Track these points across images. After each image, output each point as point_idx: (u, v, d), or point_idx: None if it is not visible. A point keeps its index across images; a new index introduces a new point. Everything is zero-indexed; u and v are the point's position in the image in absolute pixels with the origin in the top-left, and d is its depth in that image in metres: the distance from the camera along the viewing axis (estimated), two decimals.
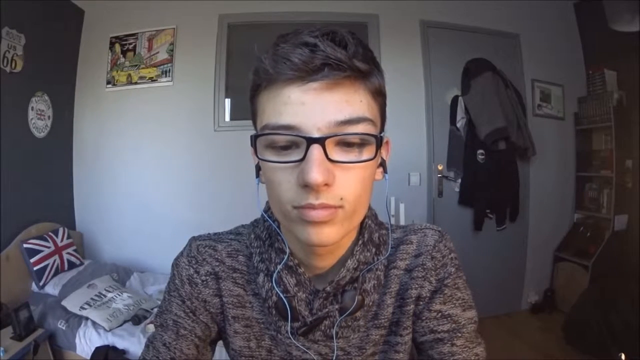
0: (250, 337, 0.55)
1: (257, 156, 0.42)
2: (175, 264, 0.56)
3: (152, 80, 2.61)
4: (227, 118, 2.63)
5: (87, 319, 1.81)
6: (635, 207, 2.46)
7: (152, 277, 2.38)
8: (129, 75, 2.61)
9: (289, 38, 0.40)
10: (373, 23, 2.65)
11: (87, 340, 1.75)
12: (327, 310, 0.49)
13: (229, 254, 0.55)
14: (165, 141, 2.63)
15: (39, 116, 2.30)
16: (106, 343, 1.72)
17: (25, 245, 2.01)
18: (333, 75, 0.38)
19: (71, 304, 1.86)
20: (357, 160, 0.40)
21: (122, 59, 2.62)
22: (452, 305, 0.53)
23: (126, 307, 1.91)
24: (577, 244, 2.74)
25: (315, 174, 0.37)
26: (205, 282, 0.54)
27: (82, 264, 2.29)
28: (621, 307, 1.99)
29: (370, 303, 0.51)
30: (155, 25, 2.62)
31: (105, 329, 1.76)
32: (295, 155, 0.40)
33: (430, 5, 2.67)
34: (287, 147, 0.40)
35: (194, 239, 0.57)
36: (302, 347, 0.51)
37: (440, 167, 2.66)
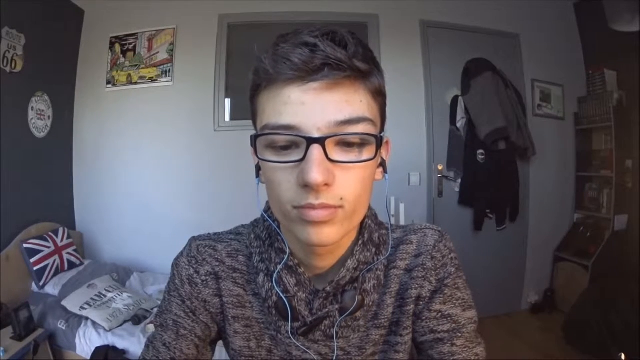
0: (250, 337, 0.55)
1: (257, 156, 0.42)
2: (175, 264, 0.56)
3: (152, 80, 2.61)
4: (227, 118, 2.63)
5: (87, 319, 1.81)
6: (635, 207, 2.46)
7: (152, 277, 2.38)
8: (129, 75, 2.61)
9: (289, 38, 0.40)
10: (373, 23, 2.65)
11: (87, 340, 1.75)
12: (327, 310, 0.49)
13: (229, 254, 0.55)
14: (165, 141, 2.63)
15: (39, 116, 2.30)
16: (106, 343, 1.72)
17: (25, 245, 2.01)
18: (333, 75, 0.38)
19: (71, 304, 1.86)
20: (357, 160, 0.40)
21: (122, 59, 2.62)
22: (452, 305, 0.53)
23: (126, 307, 1.91)
24: (577, 244, 2.74)
25: (315, 174, 0.37)
26: (205, 282, 0.54)
27: (82, 264, 2.29)
28: (621, 307, 1.99)
29: (370, 303, 0.51)
30: (155, 25, 2.62)
31: (105, 329, 1.76)
32: (295, 155, 0.40)
33: (430, 5, 2.67)
34: (287, 147, 0.40)
35: (194, 239, 0.57)
36: (302, 347, 0.51)
37: (440, 167, 2.66)
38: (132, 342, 1.73)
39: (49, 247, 2.11)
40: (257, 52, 0.41)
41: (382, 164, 0.47)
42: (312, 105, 0.39)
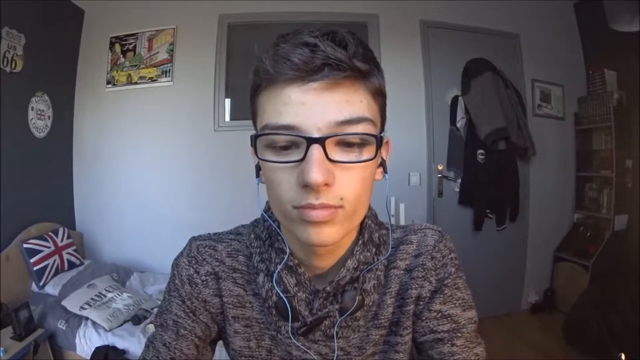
0: (250, 337, 0.55)
1: (257, 156, 0.42)
2: (175, 264, 0.56)
3: (152, 80, 2.61)
4: (227, 118, 2.63)
5: (87, 319, 1.81)
6: (635, 207, 2.46)
7: (152, 277, 2.38)
8: (129, 75, 2.61)
9: (289, 38, 0.40)
10: (373, 23, 2.65)
11: (87, 340, 1.75)
12: (327, 310, 0.49)
13: (229, 254, 0.55)
14: (165, 141, 2.63)
15: (39, 116, 2.30)
16: (106, 343, 1.72)
17: (25, 245, 2.01)
18: (333, 75, 0.38)
19: (71, 304, 1.86)
20: (357, 160, 0.40)
21: (122, 59, 2.62)
22: (452, 305, 0.53)
23: (126, 307, 1.91)
24: (577, 244, 2.74)
25: (315, 174, 0.37)
26: (205, 282, 0.54)
27: (82, 264, 2.29)
28: (621, 307, 1.99)
29: (370, 303, 0.51)
30: (155, 25, 2.62)
31: (105, 329, 1.76)
32: (295, 155, 0.40)
33: (430, 5, 2.67)
34: (287, 147, 0.40)
35: (194, 239, 0.57)
36: (302, 347, 0.51)
37: (440, 167, 2.66)
38: (132, 342, 1.73)
39: (49, 247, 2.11)
40: (257, 52, 0.41)
41: (382, 164, 0.47)
42: (312, 105, 0.39)
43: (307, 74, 0.38)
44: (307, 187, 0.39)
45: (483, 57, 2.64)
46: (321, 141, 0.38)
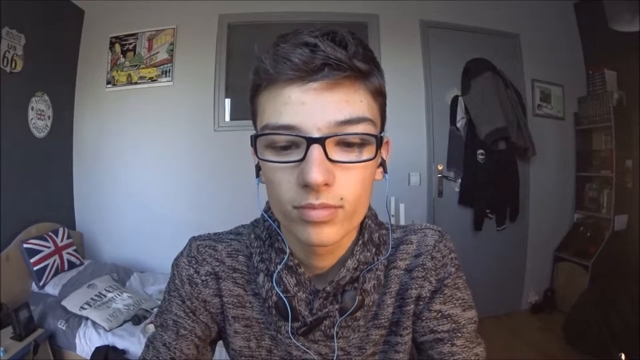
0: (250, 337, 0.55)
1: (257, 156, 0.43)
2: (175, 264, 0.56)
3: (152, 80, 2.61)
4: (227, 118, 2.63)
5: (87, 319, 1.81)
6: (635, 207, 2.46)
7: (152, 277, 2.38)
8: (129, 75, 2.61)
9: (289, 38, 0.40)
10: (373, 23, 2.65)
11: (87, 340, 1.75)
12: (327, 310, 0.49)
13: (229, 254, 0.55)
14: (165, 141, 2.63)
15: (39, 116, 2.30)
16: (106, 343, 1.72)
17: (25, 245, 2.01)
18: (333, 75, 0.38)
19: (71, 304, 1.86)
20: (357, 160, 0.40)
21: (122, 59, 2.62)
22: (452, 305, 0.53)
23: (126, 307, 1.91)
24: (577, 244, 2.74)
25: (315, 174, 0.37)
26: (205, 282, 0.54)
27: (82, 264, 2.29)
28: (621, 307, 1.99)
29: (370, 303, 0.51)
30: (155, 25, 2.62)
31: (105, 329, 1.76)
32: (295, 155, 0.40)
33: (430, 5, 2.67)
34: (287, 147, 0.40)
35: (194, 239, 0.57)
36: (302, 347, 0.51)
37: (440, 167, 2.66)
38: (132, 342, 1.73)
39: (49, 247, 2.11)
40: (257, 52, 0.41)
41: (382, 164, 0.47)
42: (312, 105, 0.39)
43: (307, 74, 0.38)
44: (307, 187, 0.39)
45: (483, 57, 2.64)
46: (321, 141, 0.38)
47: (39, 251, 2.05)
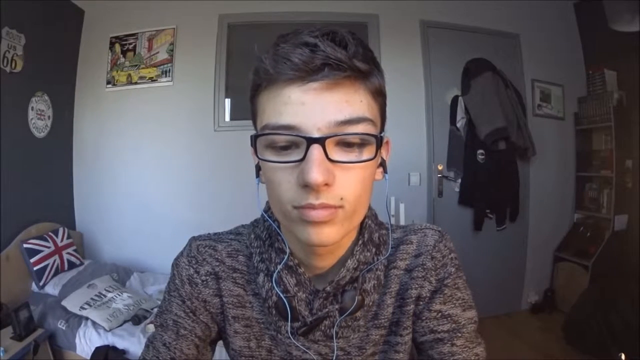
0: (250, 337, 0.55)
1: (257, 156, 0.42)
2: (175, 264, 0.56)
3: (152, 80, 2.61)
4: (227, 118, 2.63)
5: (87, 319, 1.81)
6: (635, 207, 2.46)
7: (152, 277, 2.38)
8: (129, 75, 2.61)
9: (289, 38, 0.40)
10: (373, 23, 2.65)
11: (87, 340, 1.75)
12: (327, 310, 0.49)
13: (229, 254, 0.55)
14: (165, 141, 2.63)
15: (39, 116, 2.30)
16: (106, 343, 1.72)
17: (25, 245, 2.01)
18: (333, 75, 0.38)
19: (71, 304, 1.86)
20: (357, 160, 0.40)
21: (122, 59, 2.62)
22: (452, 305, 0.53)
23: (126, 307, 1.91)
24: (577, 244, 2.74)
25: (315, 174, 0.37)
26: (205, 282, 0.54)
27: (82, 264, 2.29)
28: (621, 307, 1.99)
29: (370, 303, 0.51)
30: (155, 25, 2.62)
31: (105, 329, 1.76)
32: (295, 155, 0.40)
33: (430, 5, 2.67)
34: (287, 147, 0.40)
35: (194, 239, 0.57)
36: (302, 347, 0.51)
37: (440, 167, 2.66)
38: (132, 342, 1.73)
39: (49, 247, 2.11)
40: (257, 52, 0.41)
41: (382, 164, 0.47)
42: (312, 105, 0.38)
43: (307, 74, 0.38)
44: (307, 187, 0.39)
45: (483, 57, 2.64)
46: (321, 141, 0.38)
47: (39, 251, 2.05)
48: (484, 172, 2.58)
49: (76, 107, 2.64)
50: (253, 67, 0.42)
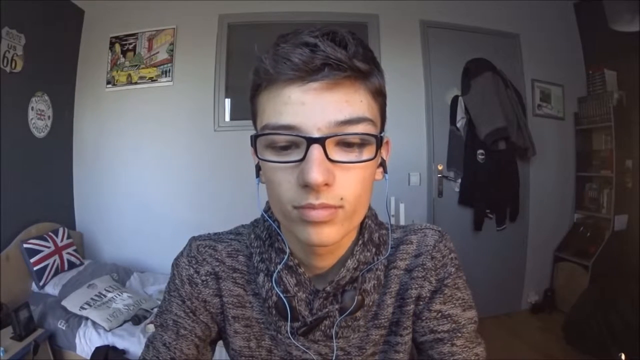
0: (250, 337, 0.55)
1: (257, 156, 0.43)
2: (175, 264, 0.56)
3: (152, 80, 2.61)
4: (227, 118, 2.63)
5: (87, 319, 1.81)
6: (635, 207, 2.46)
7: (152, 277, 2.38)
8: (129, 75, 2.61)
9: (289, 38, 0.40)
10: (373, 23, 2.65)
11: (87, 340, 1.75)
12: (327, 310, 0.49)
13: (229, 254, 0.55)
14: (165, 141, 2.63)
15: (39, 116, 2.30)
16: (106, 343, 1.72)
17: (25, 245, 2.01)
18: (333, 75, 0.38)
19: (71, 304, 1.86)
20: (357, 160, 0.40)
21: (122, 59, 2.62)
22: (452, 305, 0.53)
23: (126, 307, 1.91)
24: (577, 244, 2.74)
25: (316, 174, 0.37)
26: (205, 282, 0.54)
27: (82, 264, 2.29)
28: (621, 307, 1.99)
29: (370, 303, 0.51)
30: (155, 25, 2.62)
31: (105, 329, 1.76)
32: (295, 155, 0.40)
33: (430, 5, 2.67)
34: (287, 147, 0.40)
35: (194, 239, 0.57)
36: (302, 347, 0.51)
37: (440, 167, 2.66)
38: (132, 342, 1.73)
39: (49, 247, 2.11)
40: (257, 52, 0.41)
41: (382, 164, 0.47)
42: (312, 105, 0.39)
43: (307, 74, 0.38)
44: (307, 187, 0.39)
45: (483, 57, 2.64)
46: (321, 141, 0.38)
47: (39, 251, 2.05)
48: (484, 172, 2.58)
49: (76, 107, 2.65)
50: (253, 67, 0.42)
